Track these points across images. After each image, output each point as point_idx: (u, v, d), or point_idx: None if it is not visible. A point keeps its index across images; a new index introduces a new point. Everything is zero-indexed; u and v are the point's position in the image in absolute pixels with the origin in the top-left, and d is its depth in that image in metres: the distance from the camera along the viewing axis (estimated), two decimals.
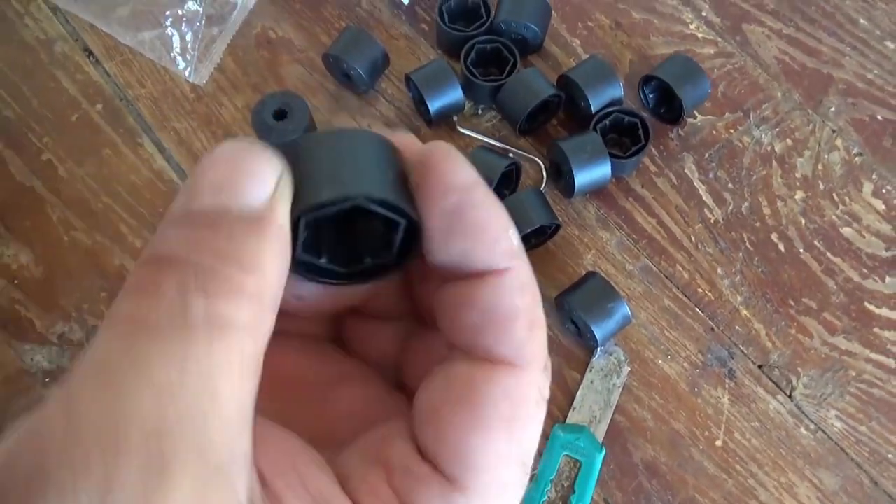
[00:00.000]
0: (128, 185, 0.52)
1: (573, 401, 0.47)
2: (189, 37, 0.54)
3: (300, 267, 0.16)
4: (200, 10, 0.54)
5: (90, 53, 0.56)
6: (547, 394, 0.17)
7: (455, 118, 0.54)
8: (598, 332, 0.45)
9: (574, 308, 0.45)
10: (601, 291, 0.46)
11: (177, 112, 0.54)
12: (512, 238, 0.16)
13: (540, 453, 0.45)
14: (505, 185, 0.51)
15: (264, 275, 0.14)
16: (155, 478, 0.11)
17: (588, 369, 0.47)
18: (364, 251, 0.17)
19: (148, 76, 0.56)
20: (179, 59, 0.54)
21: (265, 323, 0.14)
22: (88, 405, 0.12)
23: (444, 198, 0.16)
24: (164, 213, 0.14)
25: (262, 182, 0.14)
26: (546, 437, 0.46)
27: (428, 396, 0.16)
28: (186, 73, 0.55)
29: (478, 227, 0.16)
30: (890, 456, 0.46)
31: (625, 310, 0.46)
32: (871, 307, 0.49)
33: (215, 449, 0.12)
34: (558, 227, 0.49)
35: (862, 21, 0.58)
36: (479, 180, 0.16)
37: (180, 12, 0.54)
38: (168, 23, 0.54)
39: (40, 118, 0.54)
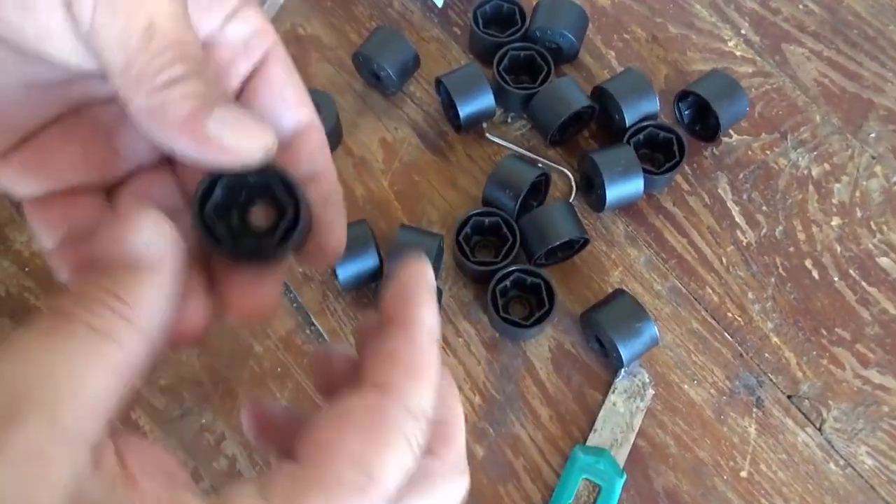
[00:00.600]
0: None
1: (594, 422, 0.45)
2: None
3: (203, 228, 0.21)
4: None
5: None
6: (422, 442, 0.19)
7: (484, 125, 0.53)
8: (625, 353, 0.44)
9: (601, 326, 0.44)
10: (630, 310, 0.44)
11: None
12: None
13: (558, 475, 0.44)
14: (533, 196, 0.50)
15: (137, 306, 0.18)
16: (2, 422, 0.15)
17: (611, 390, 0.46)
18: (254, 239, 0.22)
19: None
20: None
21: (135, 344, 0.18)
22: None
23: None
24: None
25: (142, 237, 0.19)
26: (565, 458, 0.44)
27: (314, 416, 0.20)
28: None
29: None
30: None
31: (653, 330, 0.44)
32: None
33: (65, 415, 0.16)
34: (587, 241, 0.48)
35: None
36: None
37: None
38: None
39: None
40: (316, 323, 0.47)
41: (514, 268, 0.46)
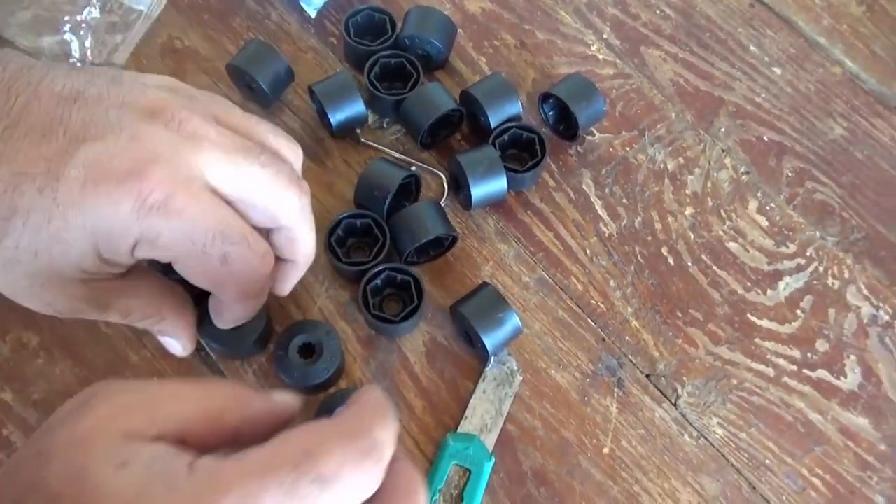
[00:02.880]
0: None
1: (465, 410, 0.47)
2: (88, 43, 0.53)
3: None
4: (99, 16, 0.53)
5: None
6: None
7: (358, 130, 0.55)
8: (489, 342, 0.46)
9: (465, 318, 0.46)
10: (492, 302, 0.47)
11: None
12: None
13: (430, 462, 0.46)
14: (405, 196, 0.52)
15: None
16: None
17: (481, 379, 0.48)
18: None
19: None
20: (78, 65, 0.54)
21: None
22: None
23: None
24: None
25: None
26: (437, 446, 0.46)
27: None
28: None
29: None
30: (767, 461, 0.47)
31: (515, 320, 0.47)
32: (753, 318, 0.51)
33: None
34: (455, 238, 0.50)
35: (752, 48, 0.61)
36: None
37: (79, 18, 0.53)
38: (66, 28, 0.53)
39: None
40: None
41: (382, 266, 0.48)
